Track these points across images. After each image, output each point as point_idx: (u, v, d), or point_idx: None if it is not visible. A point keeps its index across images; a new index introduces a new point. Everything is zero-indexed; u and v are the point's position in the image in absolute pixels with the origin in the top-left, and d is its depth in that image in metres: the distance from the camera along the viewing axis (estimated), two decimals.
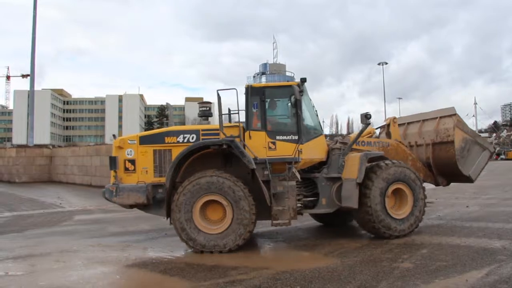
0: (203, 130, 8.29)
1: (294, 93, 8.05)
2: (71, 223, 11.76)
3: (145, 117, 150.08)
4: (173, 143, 8.15)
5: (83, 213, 13.83)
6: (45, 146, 36.39)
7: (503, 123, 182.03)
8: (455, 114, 9.57)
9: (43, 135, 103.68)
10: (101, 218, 12.60)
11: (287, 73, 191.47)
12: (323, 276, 5.74)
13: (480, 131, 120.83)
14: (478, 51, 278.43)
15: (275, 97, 8.66)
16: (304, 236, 8.83)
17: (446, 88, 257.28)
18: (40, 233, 10.06)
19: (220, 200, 7.57)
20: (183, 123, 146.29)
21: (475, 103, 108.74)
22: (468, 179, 9.67)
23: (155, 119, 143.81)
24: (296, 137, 8.07)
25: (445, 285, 5.29)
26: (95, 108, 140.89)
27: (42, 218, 12.81)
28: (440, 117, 9.83)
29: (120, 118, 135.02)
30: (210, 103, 9.61)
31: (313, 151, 8.31)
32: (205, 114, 9.50)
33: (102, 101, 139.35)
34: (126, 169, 8.08)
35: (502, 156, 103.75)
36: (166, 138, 8.22)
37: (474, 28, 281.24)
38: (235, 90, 8.06)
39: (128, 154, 8.13)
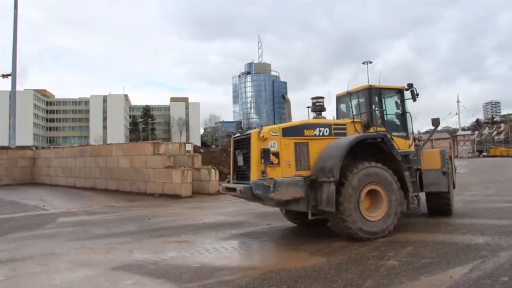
0: (334, 124, 8.79)
1: (411, 95, 9.32)
2: (55, 225, 11.58)
3: (129, 117, 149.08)
4: (311, 136, 8.30)
5: (67, 215, 13.65)
6: (28, 147, 35.80)
7: (485, 121, 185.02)
8: (450, 138, 13.43)
9: (25, 136, 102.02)
10: (85, 220, 12.45)
11: (272, 73, 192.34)
12: (310, 276, 5.74)
13: (463, 129, 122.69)
14: (463, 49, 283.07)
15: (390, 97, 9.73)
16: (290, 236, 8.83)
17: (431, 87, 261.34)
18: (22, 237, 9.87)
19: (378, 189, 8.11)
20: (168, 124, 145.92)
21: (458, 101, 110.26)
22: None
23: (140, 120, 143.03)
24: (405, 134, 9.38)
25: (430, 281, 5.33)
26: (79, 109, 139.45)
27: (24, 221, 12.60)
28: (435, 139, 12.69)
29: (104, 118, 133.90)
30: (323, 98, 9.95)
31: (411, 146, 9.60)
32: (321, 109, 9.79)
33: (86, 102, 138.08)
34: (271, 162, 7.75)
35: (484, 153, 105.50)
36: (305, 130, 8.27)
37: (461, 27, 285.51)
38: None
39: (271, 147, 7.83)
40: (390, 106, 9.64)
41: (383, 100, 9.37)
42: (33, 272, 6.58)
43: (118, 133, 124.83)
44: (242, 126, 9.68)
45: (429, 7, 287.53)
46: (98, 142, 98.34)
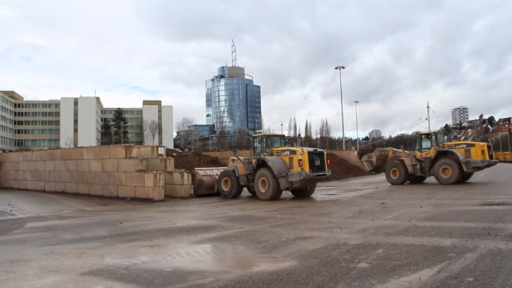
0: None
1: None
2: (23, 231, 11.30)
3: (101, 120, 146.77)
4: None
5: (36, 220, 13.33)
6: None
7: (453, 126, 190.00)
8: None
9: None
10: (55, 225, 12.18)
11: (246, 76, 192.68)
12: (282, 279, 5.77)
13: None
14: (440, 54, 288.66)
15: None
16: (262, 239, 8.85)
17: (407, 91, 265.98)
18: None
19: None
20: (141, 127, 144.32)
21: (428, 107, 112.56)
22: None
23: (112, 123, 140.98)
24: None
25: (400, 283, 5.43)
26: (49, 111, 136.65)
27: None
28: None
29: (75, 121, 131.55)
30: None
31: None
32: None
33: (56, 104, 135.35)
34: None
35: None
36: None
37: (438, 31, 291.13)
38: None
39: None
40: None
41: None
42: None
43: (89, 136, 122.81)
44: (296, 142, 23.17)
45: (408, 12, 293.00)
46: (69, 145, 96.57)
